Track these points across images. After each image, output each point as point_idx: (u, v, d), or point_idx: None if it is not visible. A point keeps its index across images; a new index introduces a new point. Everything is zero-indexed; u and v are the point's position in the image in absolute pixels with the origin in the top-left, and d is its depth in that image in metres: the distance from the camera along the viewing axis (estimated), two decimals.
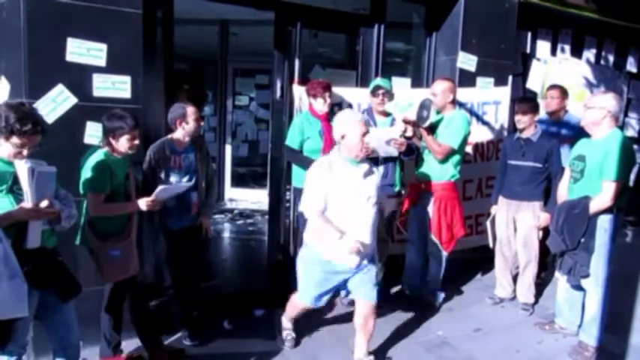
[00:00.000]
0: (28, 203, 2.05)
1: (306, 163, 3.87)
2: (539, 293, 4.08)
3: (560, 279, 3.46)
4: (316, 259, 2.82)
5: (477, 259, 4.77)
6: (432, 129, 3.69)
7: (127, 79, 3.08)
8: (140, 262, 2.86)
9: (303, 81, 4.24)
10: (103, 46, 2.99)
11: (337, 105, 4.16)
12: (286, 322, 3.31)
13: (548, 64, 5.56)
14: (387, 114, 3.84)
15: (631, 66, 6.30)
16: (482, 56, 4.62)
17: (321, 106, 3.82)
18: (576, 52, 5.81)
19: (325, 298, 2.98)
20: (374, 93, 3.74)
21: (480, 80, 4.65)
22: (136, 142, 2.70)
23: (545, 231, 3.61)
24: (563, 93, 4.24)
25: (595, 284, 3.13)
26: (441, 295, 3.99)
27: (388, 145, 3.58)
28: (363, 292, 2.89)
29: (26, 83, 2.83)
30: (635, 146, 4.74)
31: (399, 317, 3.76)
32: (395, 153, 3.65)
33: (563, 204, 3.19)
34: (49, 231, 2.25)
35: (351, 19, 4.69)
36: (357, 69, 4.70)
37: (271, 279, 4.31)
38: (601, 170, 2.98)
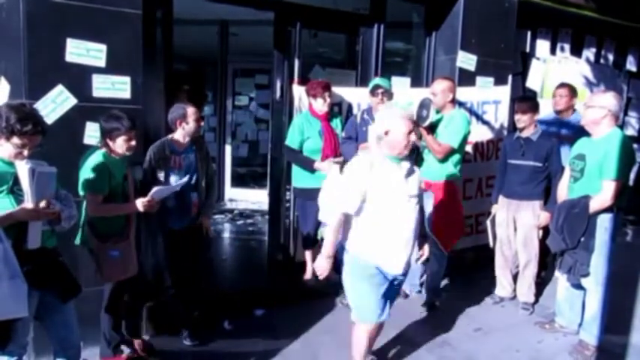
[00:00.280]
0: (28, 204, 2.05)
1: (306, 163, 3.89)
2: (539, 292, 4.08)
3: (560, 278, 3.47)
4: (366, 270, 2.57)
5: (477, 258, 4.77)
6: (432, 128, 3.69)
7: (127, 79, 3.08)
8: (139, 263, 2.86)
9: (303, 81, 4.24)
10: (103, 47, 3.00)
11: (337, 105, 4.17)
12: None
13: (548, 64, 5.56)
14: None
15: (631, 65, 6.30)
16: (481, 55, 4.61)
17: (320, 106, 3.83)
18: (576, 51, 5.81)
19: (387, 310, 2.68)
20: (373, 92, 3.74)
21: (479, 79, 4.65)
22: (133, 143, 2.69)
23: (545, 230, 3.61)
24: (572, 92, 4.21)
25: (595, 283, 3.13)
26: (441, 295, 3.99)
27: None
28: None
29: (26, 84, 2.83)
30: (635, 145, 4.75)
31: (399, 317, 3.75)
32: None
33: (564, 203, 3.19)
34: (49, 231, 2.25)
35: (350, 18, 4.69)
36: (356, 69, 4.70)
37: (271, 279, 4.32)
38: (601, 169, 2.98)
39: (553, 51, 5.63)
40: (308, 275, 4.20)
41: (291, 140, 3.91)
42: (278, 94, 4.34)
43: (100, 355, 2.91)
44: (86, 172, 2.59)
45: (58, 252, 2.34)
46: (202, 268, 3.50)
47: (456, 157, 3.74)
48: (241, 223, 6.36)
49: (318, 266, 2.65)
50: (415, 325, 3.64)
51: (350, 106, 4.21)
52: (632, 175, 4.34)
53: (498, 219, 3.96)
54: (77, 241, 2.72)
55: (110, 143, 2.66)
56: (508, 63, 4.84)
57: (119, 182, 2.73)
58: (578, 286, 3.27)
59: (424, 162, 3.82)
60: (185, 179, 3.06)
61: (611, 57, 6.11)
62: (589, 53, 5.93)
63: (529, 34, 5.42)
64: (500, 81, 4.69)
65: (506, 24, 4.78)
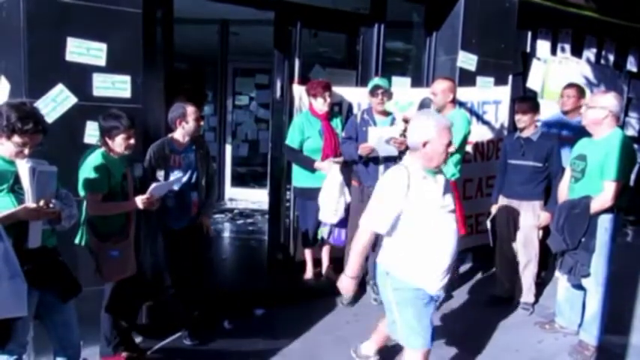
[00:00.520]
0: (29, 203, 2.05)
1: (306, 162, 3.89)
2: (539, 293, 4.08)
3: (560, 278, 3.47)
4: (411, 292, 2.37)
5: (477, 258, 4.77)
6: None
7: (127, 78, 3.08)
8: (138, 262, 2.85)
9: (303, 80, 4.25)
10: (103, 46, 2.99)
11: (337, 104, 4.17)
12: None
13: (549, 64, 5.56)
14: (387, 113, 3.84)
15: (631, 65, 6.30)
16: (482, 56, 4.61)
17: (321, 105, 3.83)
18: (576, 52, 5.81)
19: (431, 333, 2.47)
20: (373, 93, 3.73)
21: (480, 80, 4.64)
22: (132, 141, 2.69)
23: (546, 230, 3.61)
24: (580, 92, 4.17)
25: (595, 283, 3.13)
26: (441, 295, 3.98)
27: (388, 145, 3.58)
28: None
29: (26, 83, 2.83)
30: (636, 146, 4.74)
31: None
32: (395, 152, 3.65)
33: (564, 203, 3.19)
34: (50, 231, 2.25)
35: (351, 18, 4.69)
36: (357, 68, 4.70)
37: (271, 278, 4.32)
38: (602, 170, 2.98)
39: (553, 51, 5.63)
40: (308, 275, 4.20)
41: (292, 140, 3.91)
42: (278, 93, 4.34)
43: (99, 354, 2.91)
44: (85, 172, 2.59)
45: (58, 251, 2.34)
46: (203, 268, 3.50)
47: (456, 157, 3.73)
48: (241, 223, 6.36)
49: (344, 287, 2.50)
50: None
51: (350, 106, 4.21)
52: (632, 176, 4.34)
53: (498, 219, 3.96)
54: (77, 240, 2.72)
55: (109, 142, 2.66)
56: (508, 63, 4.84)
57: (118, 181, 2.73)
58: (579, 287, 3.27)
59: None
60: (184, 177, 3.05)
61: (611, 57, 6.11)
62: (589, 54, 5.93)
63: (529, 34, 5.42)
64: (500, 81, 4.69)
65: (506, 24, 4.78)
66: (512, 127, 4.23)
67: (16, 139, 2.03)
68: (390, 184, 2.32)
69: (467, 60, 4.58)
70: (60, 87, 2.89)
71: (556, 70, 5.57)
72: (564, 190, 3.31)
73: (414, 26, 5.35)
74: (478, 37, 4.60)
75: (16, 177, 2.09)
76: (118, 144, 2.66)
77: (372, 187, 3.73)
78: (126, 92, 3.09)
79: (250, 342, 3.32)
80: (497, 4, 4.69)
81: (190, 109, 3.09)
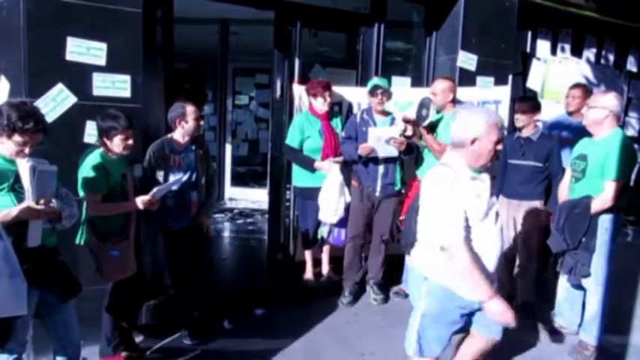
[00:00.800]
0: (29, 202, 2.05)
1: (306, 162, 3.89)
2: (539, 293, 4.07)
3: (560, 278, 3.46)
4: (448, 301, 2.20)
5: None
6: (432, 128, 3.69)
7: (127, 78, 3.08)
8: (138, 262, 2.85)
9: (303, 80, 4.25)
10: (103, 45, 2.99)
11: (337, 104, 4.17)
12: None
13: (549, 64, 5.55)
14: (386, 113, 3.84)
15: (631, 65, 6.29)
16: (482, 55, 4.61)
17: (321, 105, 3.83)
18: (576, 52, 5.80)
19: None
20: (373, 93, 3.73)
21: (480, 79, 4.64)
22: (130, 142, 2.68)
23: (546, 230, 3.61)
24: (586, 93, 4.08)
25: (595, 283, 3.13)
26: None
27: (388, 145, 3.58)
28: (488, 324, 2.29)
29: (26, 82, 2.83)
30: (636, 145, 4.74)
31: (399, 317, 3.75)
32: (395, 152, 3.65)
33: (565, 203, 3.19)
34: (50, 230, 2.25)
35: (351, 18, 4.69)
36: (357, 68, 4.70)
37: (271, 278, 4.32)
38: (602, 170, 2.98)
39: (553, 51, 5.63)
40: (308, 275, 4.20)
41: (292, 139, 3.90)
42: (278, 93, 4.34)
43: (99, 354, 2.91)
44: (84, 172, 2.59)
45: (58, 251, 2.34)
46: (204, 267, 3.50)
47: None
48: (241, 223, 6.36)
49: (501, 312, 2.09)
50: None
51: (350, 106, 4.21)
52: (632, 176, 4.34)
53: None
54: (78, 240, 2.71)
55: (107, 142, 2.66)
56: (508, 63, 4.84)
57: (118, 181, 2.72)
58: (579, 287, 3.27)
59: (424, 162, 3.83)
60: (184, 176, 3.05)
61: (611, 57, 6.11)
62: (589, 53, 5.93)
63: (529, 34, 5.42)
64: (500, 81, 4.69)
65: (506, 24, 4.77)
66: (512, 127, 4.22)
67: (17, 138, 2.03)
68: (445, 182, 2.11)
69: (467, 60, 4.58)
70: (60, 86, 2.89)
71: (556, 70, 5.57)
72: (565, 190, 3.31)
73: (414, 26, 5.35)
74: (478, 36, 4.60)
75: (17, 176, 2.09)
76: (116, 144, 2.65)
77: (372, 187, 3.78)
78: (126, 92, 3.08)
79: (250, 342, 3.32)
80: (497, 4, 4.69)
81: (190, 109, 3.08)
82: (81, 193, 2.62)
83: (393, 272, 4.12)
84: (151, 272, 3.41)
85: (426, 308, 2.25)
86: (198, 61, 7.99)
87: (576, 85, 4.22)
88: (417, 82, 4.84)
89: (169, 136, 3.15)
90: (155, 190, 2.77)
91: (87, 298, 2.57)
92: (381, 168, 3.75)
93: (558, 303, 3.55)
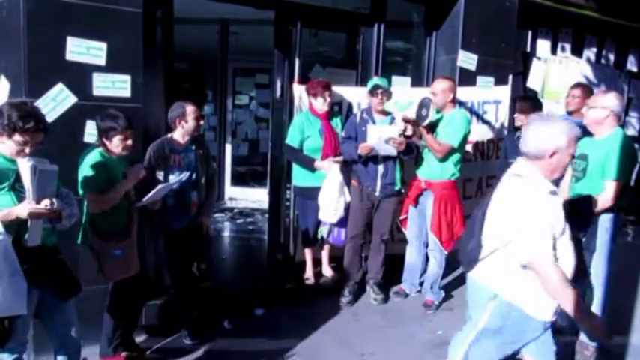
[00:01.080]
0: (29, 201, 2.05)
1: (306, 162, 3.89)
2: None
3: None
4: (520, 322, 2.15)
5: None
6: (432, 128, 3.69)
7: (127, 78, 3.08)
8: (141, 262, 2.85)
9: (303, 80, 4.25)
10: (103, 45, 2.99)
11: (337, 104, 4.16)
12: None
13: (549, 63, 5.56)
14: (386, 113, 3.84)
15: (631, 65, 6.30)
16: (482, 55, 4.61)
17: (321, 105, 3.83)
18: (576, 51, 5.81)
19: None
20: (373, 93, 3.73)
21: (480, 79, 4.65)
22: (129, 142, 2.68)
23: None
24: (586, 92, 3.99)
25: (595, 283, 3.12)
26: (441, 295, 3.99)
27: (387, 145, 3.58)
28: (544, 354, 2.33)
29: (26, 82, 2.83)
30: (636, 145, 4.74)
31: (400, 317, 3.76)
32: (394, 152, 3.65)
33: (565, 203, 3.18)
34: (50, 229, 2.25)
35: (351, 18, 4.69)
36: (357, 68, 4.70)
37: (271, 278, 4.31)
38: (603, 169, 2.98)
39: (554, 51, 5.64)
40: (308, 275, 4.20)
41: (292, 139, 3.90)
42: (278, 93, 4.34)
43: (99, 354, 2.90)
44: (84, 171, 2.59)
45: (58, 250, 2.34)
46: (205, 267, 3.50)
47: (456, 156, 3.73)
48: (241, 222, 6.36)
49: (602, 330, 2.16)
50: (414, 325, 3.64)
51: (350, 106, 4.21)
52: (632, 176, 4.34)
53: None
54: (79, 239, 2.71)
55: (107, 142, 2.66)
56: (509, 63, 4.84)
57: (118, 181, 2.72)
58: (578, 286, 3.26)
59: (424, 162, 3.83)
60: (181, 176, 3.05)
61: (611, 57, 6.11)
62: (590, 53, 5.94)
63: (530, 33, 5.42)
64: (500, 81, 4.69)
65: (506, 24, 4.78)
66: (513, 126, 4.23)
67: (18, 137, 2.04)
68: (530, 201, 2.04)
69: (467, 60, 4.58)
70: (60, 86, 2.89)
71: (556, 70, 5.57)
72: (565, 190, 3.31)
73: (414, 26, 5.35)
74: (478, 36, 4.60)
75: (17, 175, 2.10)
76: (115, 145, 2.65)
77: (372, 187, 3.78)
78: (126, 92, 3.09)
79: (250, 342, 3.32)
80: (497, 4, 4.69)
81: (190, 109, 3.08)
82: (81, 192, 2.62)
83: (393, 272, 4.12)
84: (153, 272, 3.41)
85: (487, 323, 2.20)
86: (198, 61, 7.99)
87: (577, 85, 4.20)
88: (417, 82, 4.85)
89: (169, 135, 3.15)
90: (159, 187, 2.78)
91: (87, 297, 2.57)
92: (380, 168, 3.75)
93: None
